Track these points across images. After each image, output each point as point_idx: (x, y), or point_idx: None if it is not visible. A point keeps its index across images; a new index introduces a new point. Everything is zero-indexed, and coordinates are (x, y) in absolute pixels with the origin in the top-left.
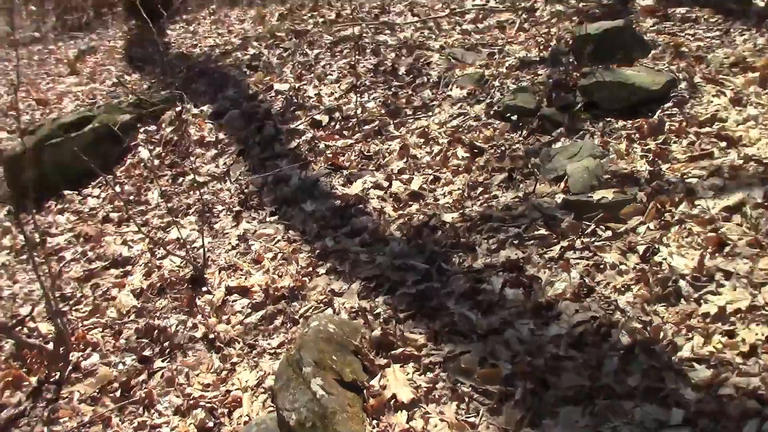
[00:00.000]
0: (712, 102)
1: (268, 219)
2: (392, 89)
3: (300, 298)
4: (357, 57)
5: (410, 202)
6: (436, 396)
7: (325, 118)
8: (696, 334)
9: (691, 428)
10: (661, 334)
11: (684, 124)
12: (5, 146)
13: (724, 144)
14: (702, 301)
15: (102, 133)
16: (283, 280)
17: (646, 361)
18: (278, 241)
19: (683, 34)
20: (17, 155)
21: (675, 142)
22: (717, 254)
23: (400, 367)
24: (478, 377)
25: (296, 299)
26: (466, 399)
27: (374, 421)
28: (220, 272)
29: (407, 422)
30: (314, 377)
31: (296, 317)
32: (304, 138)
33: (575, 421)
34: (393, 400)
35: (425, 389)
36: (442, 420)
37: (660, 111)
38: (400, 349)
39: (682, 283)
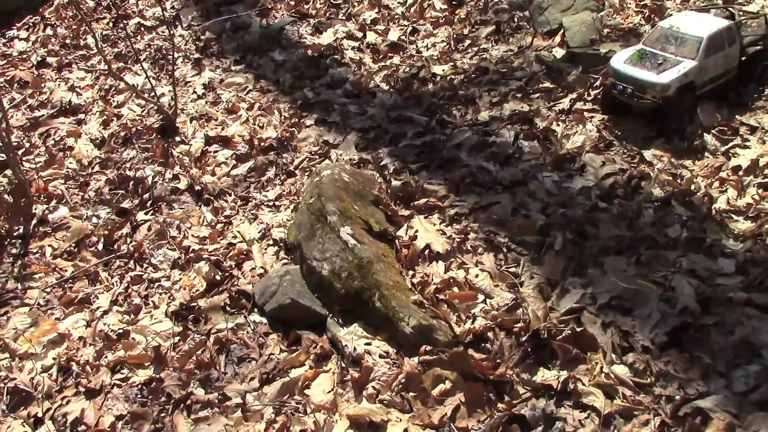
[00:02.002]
0: None
1: (233, 68)
2: None
3: (291, 149)
4: None
5: (390, 54)
6: (470, 247)
7: None
8: (729, 187)
9: (743, 277)
10: (693, 186)
11: None
12: None
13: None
14: (730, 154)
15: None
16: (266, 130)
17: (684, 212)
18: (250, 90)
19: None
20: None
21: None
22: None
23: (425, 218)
24: (513, 228)
25: (286, 150)
26: (504, 249)
27: (410, 272)
28: (191, 122)
29: (445, 272)
30: (342, 226)
31: (291, 169)
32: None
33: (622, 270)
34: (426, 251)
35: (458, 240)
36: (482, 270)
37: None
38: (422, 200)
39: (707, 137)
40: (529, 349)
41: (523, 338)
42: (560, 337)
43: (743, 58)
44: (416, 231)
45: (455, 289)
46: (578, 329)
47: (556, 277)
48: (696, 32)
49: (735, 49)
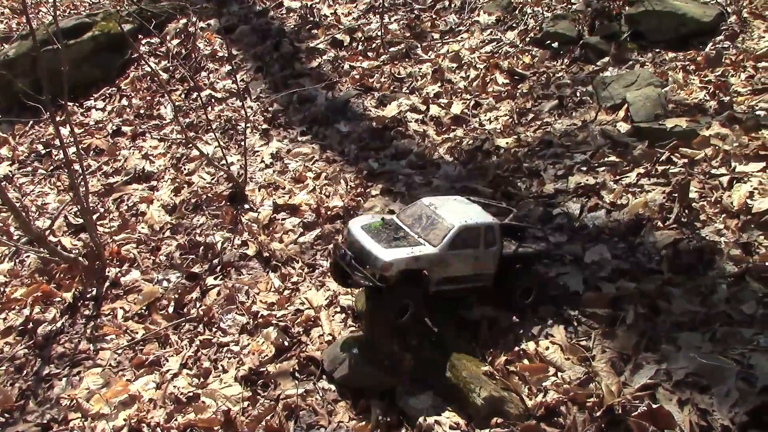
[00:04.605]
0: (764, 37)
1: (300, 138)
2: (414, 12)
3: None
4: None
5: (453, 126)
6: (539, 319)
7: (346, 38)
8: None
9: None
10: None
11: (740, 57)
12: None
13: None
14: None
15: (102, 42)
16: (332, 199)
17: (760, 289)
18: (316, 160)
19: None
20: (9, 61)
21: (733, 75)
22: None
23: None
24: (583, 300)
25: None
26: (574, 322)
27: (480, 343)
28: (260, 190)
29: (515, 344)
30: None
31: None
32: (325, 57)
33: (697, 347)
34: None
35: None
36: (553, 343)
37: (712, 44)
38: None
39: None
40: (603, 425)
41: (597, 413)
42: (635, 413)
43: (507, 270)
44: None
45: (525, 362)
46: (654, 406)
47: (628, 351)
48: (451, 219)
49: (492, 254)
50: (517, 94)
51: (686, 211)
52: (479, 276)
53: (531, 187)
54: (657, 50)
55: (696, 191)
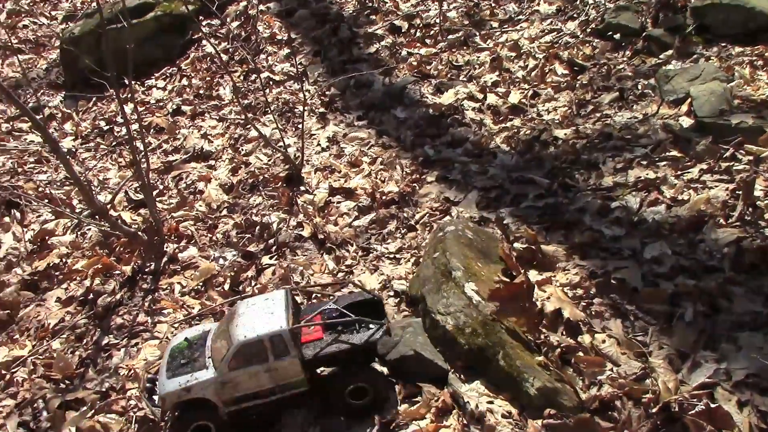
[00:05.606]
0: None
1: (356, 123)
2: (473, 0)
3: (412, 204)
4: None
5: (511, 116)
6: (595, 312)
7: (404, 24)
8: None
9: None
10: None
11: None
12: (63, 30)
13: None
14: None
15: (165, 22)
16: (387, 185)
17: None
18: (372, 145)
19: None
20: (75, 38)
21: None
22: None
23: (548, 278)
24: (640, 295)
25: (407, 205)
26: (631, 317)
27: (535, 333)
28: (315, 172)
29: (571, 336)
30: (467, 282)
31: (412, 223)
32: (383, 43)
33: (759, 348)
34: (555, 315)
35: (583, 304)
36: (609, 336)
37: None
38: (545, 262)
39: None
40: (659, 422)
41: (653, 410)
42: (692, 412)
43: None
44: (548, 296)
45: (580, 354)
46: (712, 405)
47: (686, 349)
48: (237, 334)
49: (288, 363)
50: (577, 86)
51: (750, 209)
52: (286, 386)
53: (589, 179)
54: (723, 44)
55: (761, 189)
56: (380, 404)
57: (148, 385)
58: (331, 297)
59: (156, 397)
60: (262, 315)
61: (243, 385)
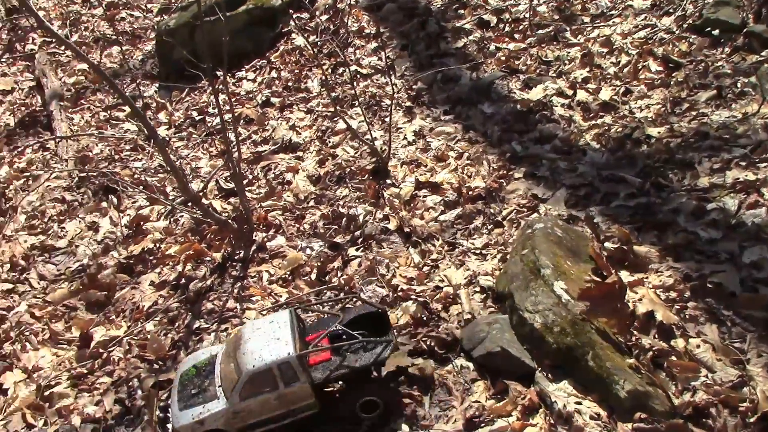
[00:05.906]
0: None
1: (442, 117)
2: None
3: (499, 200)
4: None
5: (601, 113)
6: (689, 316)
7: (493, 19)
8: None
9: None
10: None
11: None
12: (158, 22)
13: None
14: None
15: (256, 15)
16: (474, 180)
17: None
18: (458, 140)
19: None
20: (170, 30)
21: None
22: None
23: (641, 280)
24: (739, 301)
25: (494, 201)
26: (728, 323)
27: (626, 335)
28: (402, 166)
29: (664, 340)
30: (556, 280)
31: (499, 219)
32: (471, 38)
33: None
34: (648, 317)
35: (677, 308)
36: (704, 342)
37: None
38: (637, 263)
39: None
40: None
41: (751, 419)
42: None
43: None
44: (640, 297)
45: (673, 358)
46: None
47: None
48: (245, 362)
49: (298, 389)
50: (672, 83)
51: None
52: (297, 410)
53: (683, 180)
54: None
55: None
56: (389, 416)
57: (160, 414)
58: (337, 314)
59: (169, 426)
60: (268, 340)
61: (255, 412)
